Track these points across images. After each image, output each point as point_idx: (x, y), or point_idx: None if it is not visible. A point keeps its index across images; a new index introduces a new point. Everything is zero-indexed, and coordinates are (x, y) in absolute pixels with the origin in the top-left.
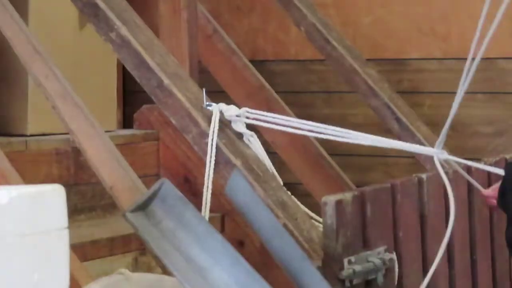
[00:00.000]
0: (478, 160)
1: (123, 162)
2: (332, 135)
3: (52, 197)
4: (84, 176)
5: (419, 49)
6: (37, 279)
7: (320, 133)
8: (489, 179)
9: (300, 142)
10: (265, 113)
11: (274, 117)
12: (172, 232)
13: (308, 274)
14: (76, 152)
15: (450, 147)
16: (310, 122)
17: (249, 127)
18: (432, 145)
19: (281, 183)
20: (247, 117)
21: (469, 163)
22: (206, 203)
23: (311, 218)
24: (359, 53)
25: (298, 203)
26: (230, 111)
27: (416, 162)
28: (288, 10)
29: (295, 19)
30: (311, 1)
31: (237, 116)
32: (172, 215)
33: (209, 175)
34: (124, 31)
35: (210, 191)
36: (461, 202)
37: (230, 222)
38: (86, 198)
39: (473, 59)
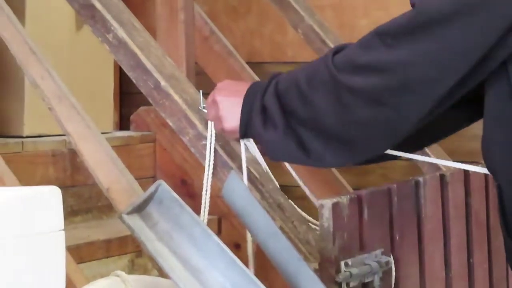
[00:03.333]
0: (476, 164)
1: (119, 164)
2: None
3: (48, 199)
4: (80, 177)
5: None
6: (32, 281)
7: None
8: (486, 182)
9: None
10: None
11: None
12: (169, 234)
13: (304, 276)
14: (73, 154)
15: (448, 150)
16: None
17: None
18: (433, 152)
19: (278, 185)
20: None
21: None
22: (204, 207)
23: (308, 221)
24: None
25: (295, 206)
26: None
27: (413, 165)
28: (285, 12)
29: (292, 21)
30: (308, 3)
31: None
32: (169, 217)
33: (208, 178)
34: (121, 32)
35: (209, 194)
36: (457, 205)
37: (226, 225)
38: (82, 199)
39: None
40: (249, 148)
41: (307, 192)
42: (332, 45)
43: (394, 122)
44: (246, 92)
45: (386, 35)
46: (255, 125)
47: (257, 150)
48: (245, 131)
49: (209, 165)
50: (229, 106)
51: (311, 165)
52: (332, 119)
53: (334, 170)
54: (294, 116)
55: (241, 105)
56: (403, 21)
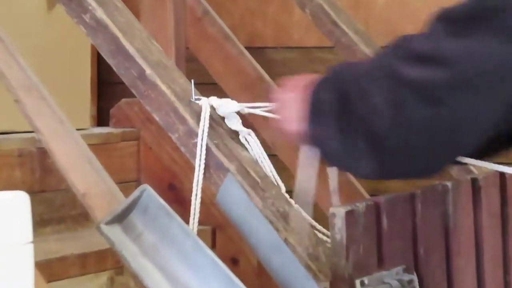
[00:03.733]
0: None
1: (97, 166)
2: None
3: (13, 206)
4: (52, 181)
5: None
6: None
7: None
8: None
9: None
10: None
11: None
12: (154, 248)
13: None
14: (43, 154)
15: None
16: None
17: (245, 124)
18: None
19: (283, 190)
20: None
21: None
22: (194, 214)
23: (318, 231)
24: (373, 39)
25: (303, 214)
26: (223, 106)
27: None
28: None
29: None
30: None
31: (234, 112)
32: (155, 227)
33: (198, 181)
34: (99, 13)
35: (199, 200)
36: (492, 214)
37: (222, 236)
38: (54, 207)
39: None
40: (249, 143)
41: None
42: (345, 27)
43: (453, 129)
44: (310, 87)
45: (450, 20)
46: (316, 124)
47: (259, 145)
48: (308, 132)
49: (199, 165)
50: (291, 105)
51: (361, 175)
52: (384, 119)
53: (347, 173)
54: (351, 113)
55: (304, 103)
56: (471, 4)
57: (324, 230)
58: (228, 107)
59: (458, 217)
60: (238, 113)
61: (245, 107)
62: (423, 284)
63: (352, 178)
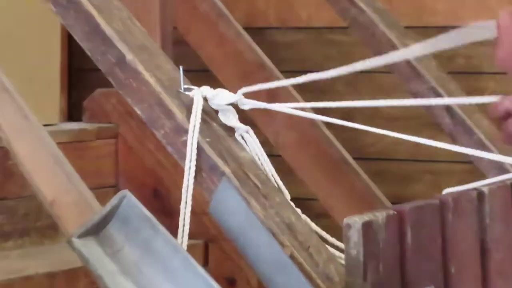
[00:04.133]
0: None
1: (68, 168)
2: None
3: None
4: (14, 187)
5: (478, 13)
6: None
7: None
8: None
9: (314, 140)
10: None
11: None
12: (136, 265)
13: None
14: (3, 154)
15: None
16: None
17: (243, 120)
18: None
19: (288, 197)
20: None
21: None
22: (183, 226)
23: (329, 244)
24: (395, 18)
25: (312, 225)
26: (218, 97)
27: (475, 170)
28: None
29: None
30: None
31: (229, 104)
32: (136, 241)
33: (188, 186)
34: None
35: (189, 209)
36: None
37: (216, 252)
38: (16, 217)
39: None
40: (247, 142)
41: None
42: (362, 4)
43: None
44: None
45: None
46: None
47: (259, 145)
48: None
49: (190, 168)
50: None
51: None
52: None
53: (366, 177)
54: None
55: None
56: None
57: (337, 248)
58: (224, 99)
59: (496, 229)
60: (235, 106)
61: (242, 98)
62: None
63: (371, 183)
